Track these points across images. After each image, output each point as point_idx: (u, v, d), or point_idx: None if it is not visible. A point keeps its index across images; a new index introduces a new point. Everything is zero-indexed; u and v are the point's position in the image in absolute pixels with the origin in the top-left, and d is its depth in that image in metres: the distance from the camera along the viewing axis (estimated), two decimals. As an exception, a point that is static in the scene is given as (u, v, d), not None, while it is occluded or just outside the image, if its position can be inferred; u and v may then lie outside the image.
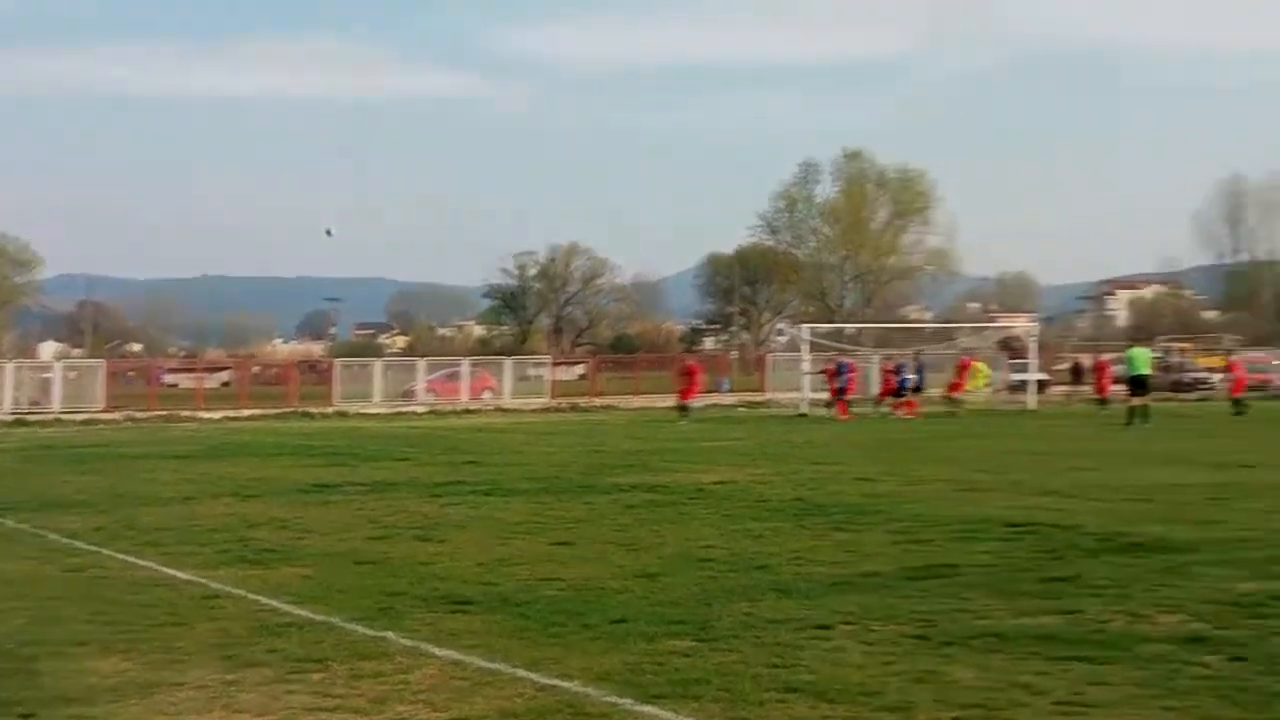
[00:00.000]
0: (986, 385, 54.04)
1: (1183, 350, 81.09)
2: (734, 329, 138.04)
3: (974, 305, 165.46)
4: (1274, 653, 8.56)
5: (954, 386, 49.99)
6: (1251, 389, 51.32)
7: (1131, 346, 41.63)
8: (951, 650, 8.89)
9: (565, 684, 8.24)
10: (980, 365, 53.65)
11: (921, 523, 15.48)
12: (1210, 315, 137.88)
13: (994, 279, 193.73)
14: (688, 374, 49.21)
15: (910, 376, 49.74)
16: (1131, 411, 38.12)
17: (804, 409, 50.87)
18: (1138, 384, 39.01)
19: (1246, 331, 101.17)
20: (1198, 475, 21.26)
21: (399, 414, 56.26)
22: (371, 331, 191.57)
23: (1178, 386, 65.10)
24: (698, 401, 49.70)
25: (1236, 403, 45.84)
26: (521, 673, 8.54)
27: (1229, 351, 59.30)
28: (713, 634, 9.53)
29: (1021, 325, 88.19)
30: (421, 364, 68.53)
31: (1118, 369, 48.67)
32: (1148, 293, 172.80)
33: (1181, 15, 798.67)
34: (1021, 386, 57.70)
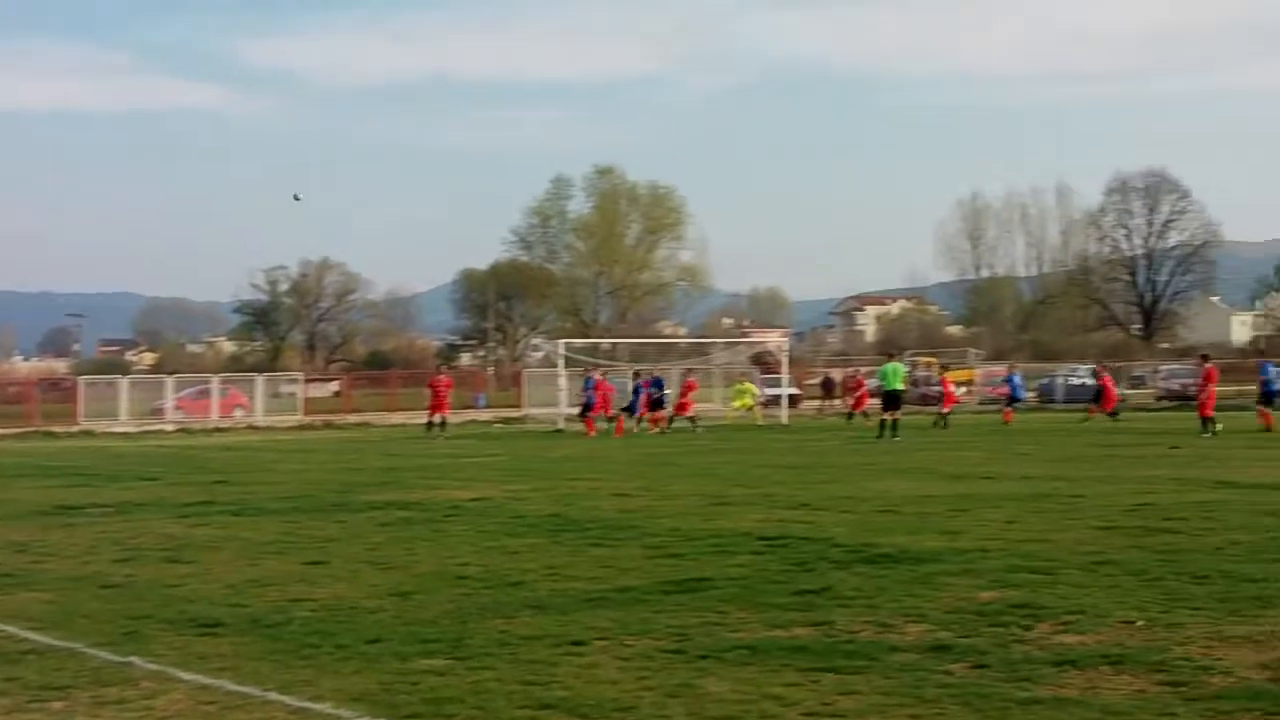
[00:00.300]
0: (753, 404, 54.67)
1: (928, 364, 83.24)
2: (490, 344, 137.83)
3: (728, 320, 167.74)
4: (1014, 660, 8.80)
5: (681, 406, 50.23)
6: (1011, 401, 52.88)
7: (887, 362, 42.56)
8: (706, 663, 8.96)
9: (318, 706, 8.11)
10: (749, 385, 54.32)
11: (676, 537, 15.58)
12: (954, 330, 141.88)
13: (746, 294, 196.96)
14: (435, 389, 48.99)
15: (668, 392, 50.17)
16: (883, 425, 39.03)
17: (561, 424, 51.02)
18: (890, 398, 39.89)
19: (989, 345, 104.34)
20: (942, 487, 21.82)
21: (147, 432, 55.06)
22: (118, 348, 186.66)
23: (924, 400, 66.92)
24: (453, 417, 49.50)
25: (942, 416, 47.45)
26: (273, 696, 8.37)
27: (945, 368, 61.20)
28: (467, 652, 9.46)
29: (773, 340, 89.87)
30: (170, 381, 67.16)
31: (871, 384, 49.90)
32: (894, 308, 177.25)
33: (925, 39, 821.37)
34: (775, 401, 58.65)
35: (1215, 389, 39.24)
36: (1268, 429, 37.35)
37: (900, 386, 40.79)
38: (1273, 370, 42.15)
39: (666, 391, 50.07)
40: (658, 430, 46.87)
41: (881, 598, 11.10)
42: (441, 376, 50.79)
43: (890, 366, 41.51)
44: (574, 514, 18.53)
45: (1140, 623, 9.86)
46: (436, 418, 47.19)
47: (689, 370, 56.00)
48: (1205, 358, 43.30)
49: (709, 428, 48.25)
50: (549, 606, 11.16)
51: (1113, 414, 47.59)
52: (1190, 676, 8.28)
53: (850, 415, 51.38)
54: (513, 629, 10.26)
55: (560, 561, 13.83)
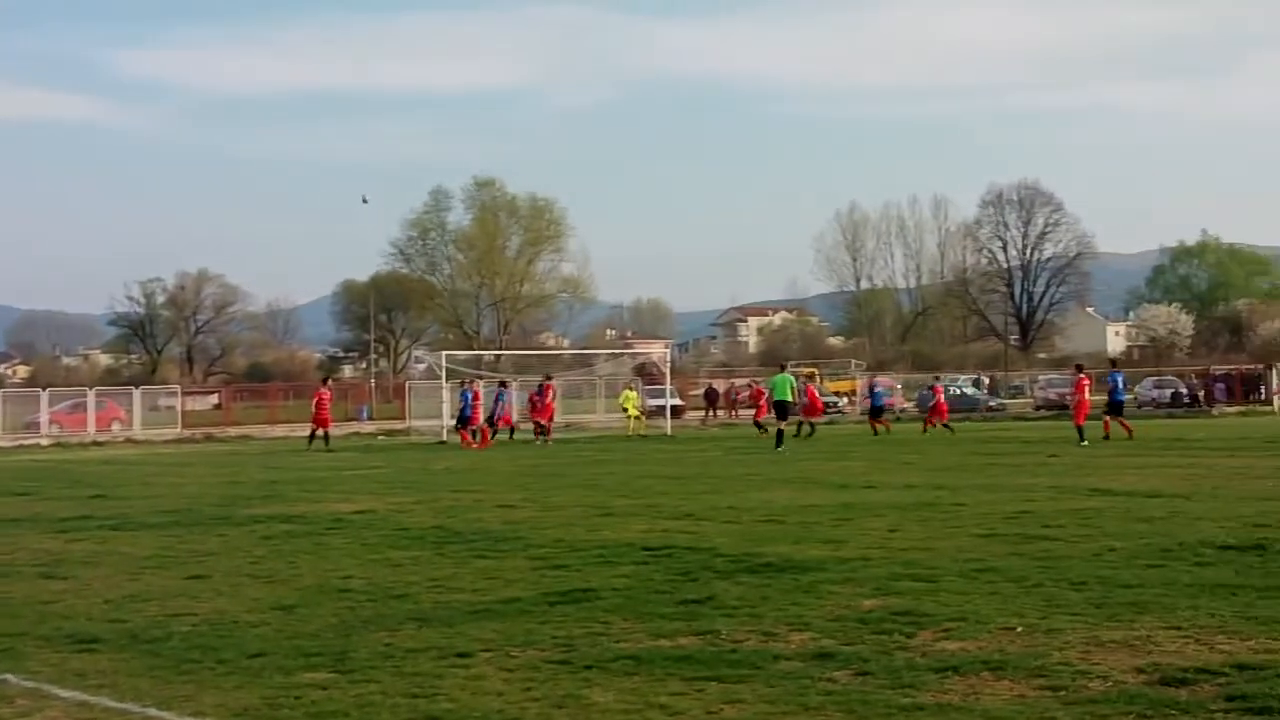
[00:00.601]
0: (637, 414, 54.69)
1: (810, 375, 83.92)
2: (373, 357, 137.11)
3: (611, 332, 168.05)
4: (897, 667, 8.87)
5: (542, 412, 50.17)
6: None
7: (778, 373, 43.08)
8: (591, 674, 8.95)
9: (199, 722, 8.01)
10: (631, 393, 54.39)
11: (561, 548, 15.58)
12: (836, 341, 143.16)
13: (629, 306, 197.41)
14: (318, 401, 48.61)
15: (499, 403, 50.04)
16: (780, 434, 39.54)
17: (445, 436, 50.81)
18: (780, 408, 40.34)
19: (870, 356, 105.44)
20: (825, 496, 21.97)
21: (21, 447, 54.07)
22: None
23: (805, 409, 67.34)
24: (336, 430, 49.14)
25: (759, 425, 49.14)
26: (153, 712, 8.26)
27: (809, 378, 62.02)
28: (351, 665, 9.39)
29: (656, 351, 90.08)
30: (44, 395, 65.96)
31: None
32: (776, 319, 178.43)
33: (800, 52, 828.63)
34: (659, 411, 58.81)
35: (1088, 398, 39.94)
36: (1106, 437, 38.31)
37: (789, 397, 41.12)
38: (1119, 379, 43.16)
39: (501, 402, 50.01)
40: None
41: (765, 606, 11.15)
42: (324, 390, 50.41)
43: (780, 378, 41.82)
44: (458, 526, 18.46)
45: (1020, 629, 9.99)
46: (319, 431, 46.89)
47: (548, 378, 55.74)
48: (1079, 368, 44.30)
49: (591, 439, 48.24)
50: (433, 618, 11.10)
51: (947, 425, 48.86)
52: (1069, 681, 8.39)
53: (760, 425, 51.85)
54: (397, 641, 10.19)
55: (444, 573, 13.77)
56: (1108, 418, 39.89)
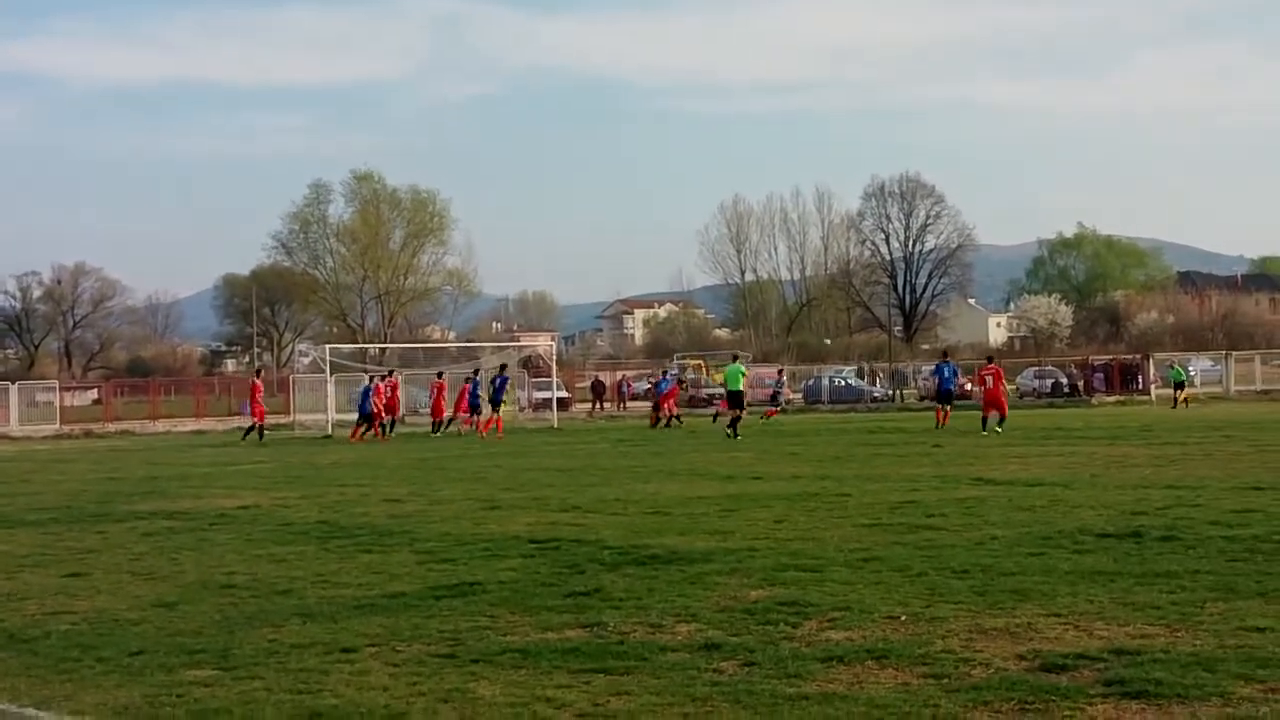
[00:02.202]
0: (511, 404, 54.49)
1: (696, 367, 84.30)
2: (256, 351, 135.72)
3: (496, 324, 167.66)
4: (783, 657, 8.92)
5: (436, 409, 50.01)
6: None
7: (730, 364, 44.02)
8: (477, 668, 8.92)
9: (78, 721, 7.89)
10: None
11: (448, 541, 15.52)
12: (722, 333, 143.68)
13: (515, 299, 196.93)
14: (253, 392, 48.30)
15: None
16: (734, 421, 40.41)
17: (330, 430, 50.46)
18: (734, 397, 41.39)
19: (756, 348, 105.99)
20: (712, 488, 22.05)
21: (-107, 444, 52.93)
22: None
23: (694, 402, 67.75)
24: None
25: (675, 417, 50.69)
26: (31, 712, 8.13)
27: (679, 379, 62.75)
28: (234, 662, 9.30)
29: (542, 344, 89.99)
30: (-82, 391, 64.64)
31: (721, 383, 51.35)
32: (662, 311, 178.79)
33: (685, 47, 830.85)
34: (545, 405, 58.76)
35: (1004, 387, 41.00)
36: (939, 426, 39.55)
37: (740, 387, 41.99)
38: (946, 370, 44.89)
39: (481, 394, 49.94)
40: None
41: (652, 598, 11.17)
42: (257, 380, 49.93)
43: (732, 368, 43.00)
44: (343, 520, 18.34)
45: (904, 617, 10.08)
46: (257, 423, 46.57)
47: (439, 374, 55.40)
48: (991, 359, 45.26)
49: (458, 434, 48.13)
50: (318, 614, 11.02)
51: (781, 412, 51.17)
52: (952, 669, 8.49)
53: (676, 418, 52.02)
54: (281, 637, 10.11)
55: (330, 568, 13.67)
56: (940, 406, 41.98)
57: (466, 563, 13.75)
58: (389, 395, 48.53)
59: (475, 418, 48.60)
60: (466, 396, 49.43)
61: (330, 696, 8.30)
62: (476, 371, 53.11)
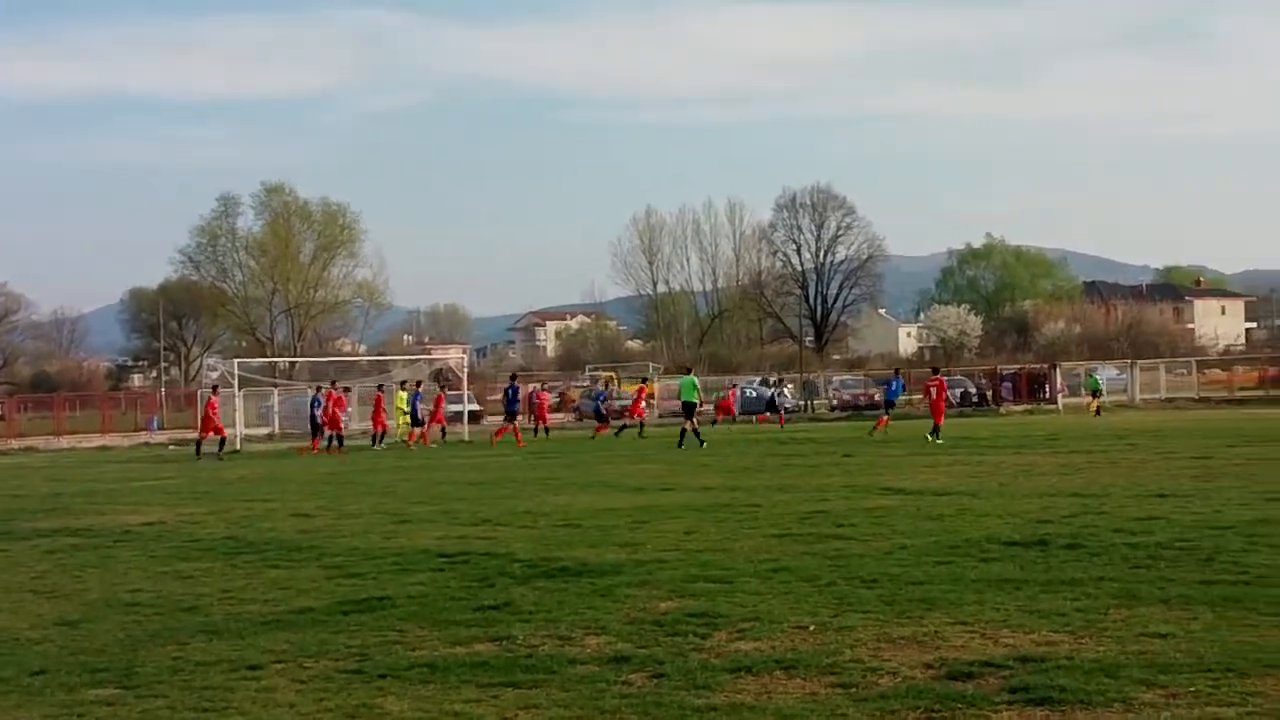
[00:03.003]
0: (405, 418, 53.76)
1: (608, 379, 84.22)
2: (164, 365, 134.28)
3: (408, 337, 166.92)
4: (692, 669, 8.93)
5: (331, 421, 49.51)
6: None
7: (683, 375, 45.21)
8: (385, 683, 8.88)
9: (-24, 744, 7.77)
10: (403, 394, 53.44)
11: (356, 556, 15.43)
12: (634, 344, 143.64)
13: (426, 311, 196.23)
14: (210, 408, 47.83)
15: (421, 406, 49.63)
16: (683, 433, 40.54)
17: (238, 445, 50.01)
18: (688, 409, 41.67)
19: (668, 359, 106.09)
20: (623, 500, 22.04)
21: None
22: None
23: (607, 413, 67.65)
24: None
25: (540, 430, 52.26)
26: (-73, 735, 7.99)
27: (545, 387, 63.48)
28: (138, 681, 9.19)
29: (454, 356, 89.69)
30: None
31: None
32: (574, 323, 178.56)
33: (598, 60, 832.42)
34: (456, 418, 58.46)
35: (945, 397, 42.17)
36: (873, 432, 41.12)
37: (694, 398, 42.41)
38: (894, 384, 49.57)
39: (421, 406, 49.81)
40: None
41: (562, 611, 11.16)
42: (214, 396, 49.31)
43: (686, 380, 43.57)
44: (250, 536, 18.18)
45: (813, 627, 10.13)
46: (213, 437, 45.84)
47: (346, 389, 54.96)
48: (935, 370, 46.11)
49: (390, 444, 47.79)
50: (224, 631, 10.91)
51: (640, 424, 52.29)
52: (860, 678, 8.53)
53: (545, 429, 52.26)
54: (186, 655, 10.00)
55: (236, 585, 13.55)
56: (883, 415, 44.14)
57: (375, 577, 13.67)
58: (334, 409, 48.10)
59: (419, 430, 48.66)
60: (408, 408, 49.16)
61: (235, 714, 8.23)
62: (419, 384, 52.95)
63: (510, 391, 50.02)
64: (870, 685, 8.36)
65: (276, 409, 66.13)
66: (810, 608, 10.92)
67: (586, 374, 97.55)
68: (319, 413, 47.25)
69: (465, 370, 68.77)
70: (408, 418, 48.77)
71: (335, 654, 9.82)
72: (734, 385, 68.40)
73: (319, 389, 49.73)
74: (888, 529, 16.26)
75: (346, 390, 52.01)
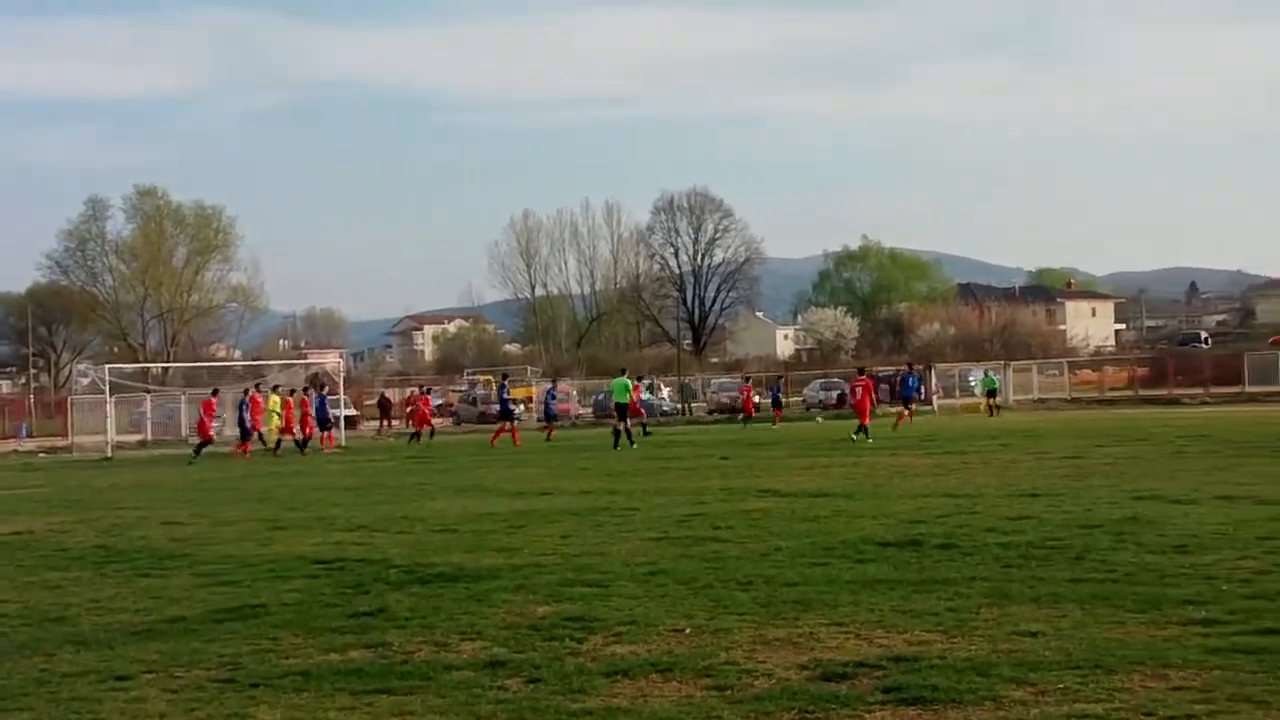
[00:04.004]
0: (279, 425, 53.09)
1: (486, 383, 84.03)
2: (32, 371, 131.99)
3: (284, 342, 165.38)
4: (568, 673, 8.91)
5: (203, 426, 48.69)
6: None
7: (617, 377, 45.88)
8: (258, 692, 8.77)
9: None
10: (275, 400, 52.81)
11: (230, 564, 15.24)
12: (512, 348, 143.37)
13: (302, 315, 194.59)
14: (206, 410, 47.06)
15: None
16: (617, 434, 41.17)
17: (109, 452, 49.30)
18: (620, 410, 42.61)
19: (546, 362, 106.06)
20: (500, 504, 21.98)
21: None
22: None
23: (484, 418, 67.56)
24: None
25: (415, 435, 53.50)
26: None
27: (422, 388, 63.47)
28: (3, 693, 9.01)
29: (330, 361, 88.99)
30: None
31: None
32: (452, 327, 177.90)
33: (472, 62, 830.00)
34: (337, 422, 58.02)
35: (871, 398, 42.56)
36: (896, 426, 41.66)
37: (625, 400, 43.23)
38: (911, 379, 54.19)
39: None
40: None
41: (437, 617, 11.09)
42: (211, 400, 48.47)
43: (619, 382, 44.31)
44: (121, 544, 17.91)
45: (688, 630, 10.15)
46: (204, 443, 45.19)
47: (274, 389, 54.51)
48: (862, 370, 47.89)
49: (264, 451, 47.30)
50: (92, 641, 10.73)
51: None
52: (735, 680, 8.56)
53: (416, 435, 52.35)
54: (53, 666, 9.82)
55: (105, 594, 13.33)
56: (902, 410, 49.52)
57: (249, 585, 13.51)
58: (299, 413, 47.75)
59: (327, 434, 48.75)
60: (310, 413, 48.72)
61: (103, 726, 8.09)
62: (323, 388, 52.78)
63: (502, 392, 51.53)
64: (745, 687, 8.39)
65: (149, 416, 65.31)
66: (686, 610, 10.94)
67: (465, 378, 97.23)
68: (247, 416, 46.57)
69: (341, 375, 68.19)
70: (280, 421, 48.21)
71: (207, 663, 9.69)
72: (748, 381, 68.13)
73: (246, 392, 49.00)
74: (764, 531, 16.35)
75: (215, 393, 51.23)
